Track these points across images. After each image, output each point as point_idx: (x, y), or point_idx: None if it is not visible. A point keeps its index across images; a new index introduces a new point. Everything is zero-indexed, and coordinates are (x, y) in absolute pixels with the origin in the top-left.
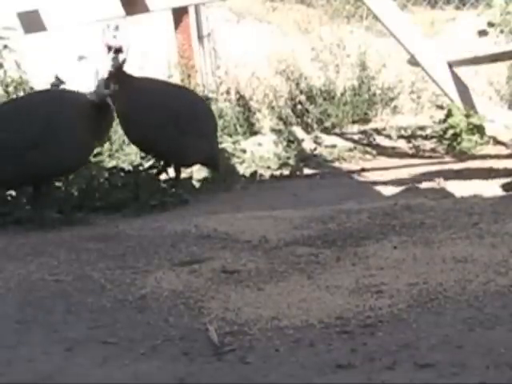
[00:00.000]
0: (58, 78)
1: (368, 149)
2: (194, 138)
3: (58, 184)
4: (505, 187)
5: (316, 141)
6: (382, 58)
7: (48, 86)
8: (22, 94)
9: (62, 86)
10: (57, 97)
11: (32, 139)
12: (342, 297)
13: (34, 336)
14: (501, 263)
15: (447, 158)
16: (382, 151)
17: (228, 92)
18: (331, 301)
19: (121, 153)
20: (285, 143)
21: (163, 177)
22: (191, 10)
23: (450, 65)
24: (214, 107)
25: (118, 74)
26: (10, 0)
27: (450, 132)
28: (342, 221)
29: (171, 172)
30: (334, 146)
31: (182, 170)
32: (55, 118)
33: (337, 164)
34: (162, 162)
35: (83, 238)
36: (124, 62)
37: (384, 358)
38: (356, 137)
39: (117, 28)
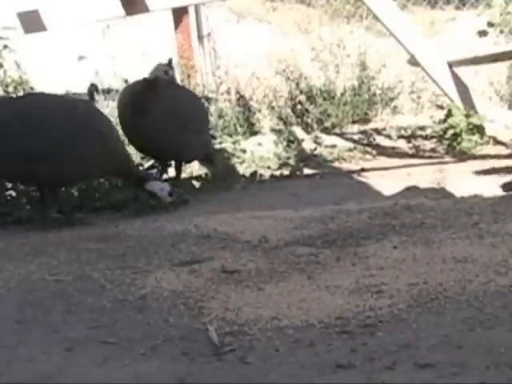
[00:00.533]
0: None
1: (368, 149)
2: (194, 136)
3: None
4: (505, 187)
5: (316, 141)
6: (382, 58)
7: (48, 87)
8: (21, 94)
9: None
10: (73, 107)
11: (42, 150)
12: (342, 297)
13: (34, 336)
14: (501, 263)
15: (447, 158)
16: (382, 151)
17: (228, 92)
18: (331, 301)
19: None
20: (285, 143)
21: (163, 177)
22: (191, 10)
23: (450, 65)
24: (213, 107)
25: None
26: (10, 0)
27: (450, 132)
28: (342, 221)
29: (171, 172)
30: (334, 146)
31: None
32: (69, 129)
33: (337, 164)
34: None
35: (83, 238)
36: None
37: (384, 358)
38: (356, 137)
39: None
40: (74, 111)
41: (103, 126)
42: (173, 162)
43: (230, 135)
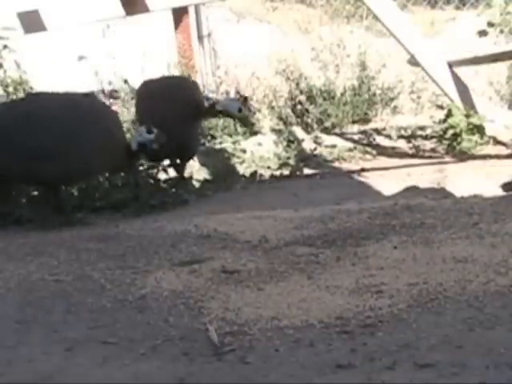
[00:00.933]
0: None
1: (368, 149)
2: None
3: None
4: (505, 187)
5: (316, 141)
6: (382, 58)
7: (48, 87)
8: (21, 94)
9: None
10: (74, 105)
11: (45, 148)
12: (342, 297)
13: (34, 336)
14: (501, 263)
15: (447, 158)
16: (382, 151)
17: (228, 92)
18: (331, 301)
19: None
20: (285, 143)
21: (163, 177)
22: (191, 10)
23: (450, 65)
24: None
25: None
26: (10, 0)
27: (450, 132)
28: (342, 221)
29: (171, 172)
30: (333, 146)
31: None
32: (73, 126)
33: (337, 164)
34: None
35: (83, 238)
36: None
37: (384, 358)
38: (356, 137)
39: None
40: (77, 108)
41: (109, 121)
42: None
43: (230, 135)
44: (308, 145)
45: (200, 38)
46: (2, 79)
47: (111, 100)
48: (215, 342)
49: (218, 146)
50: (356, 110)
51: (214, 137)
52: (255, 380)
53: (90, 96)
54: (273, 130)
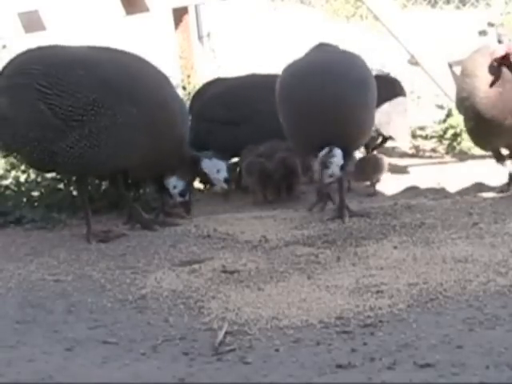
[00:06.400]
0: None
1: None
2: None
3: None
4: (505, 187)
5: None
6: (382, 58)
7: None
8: None
9: None
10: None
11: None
12: (342, 297)
13: (34, 336)
14: (501, 263)
15: (447, 158)
16: (382, 151)
17: None
18: (331, 301)
19: None
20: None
21: None
22: (191, 10)
23: (450, 65)
24: None
25: None
26: (10, 0)
27: (450, 132)
28: None
29: None
30: None
31: None
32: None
33: None
34: None
35: (83, 238)
36: None
37: (384, 358)
38: None
39: None
40: None
41: None
42: None
43: None
44: None
45: (200, 37)
46: None
47: None
48: (217, 342)
49: None
50: None
51: None
52: (255, 380)
53: None
54: None
